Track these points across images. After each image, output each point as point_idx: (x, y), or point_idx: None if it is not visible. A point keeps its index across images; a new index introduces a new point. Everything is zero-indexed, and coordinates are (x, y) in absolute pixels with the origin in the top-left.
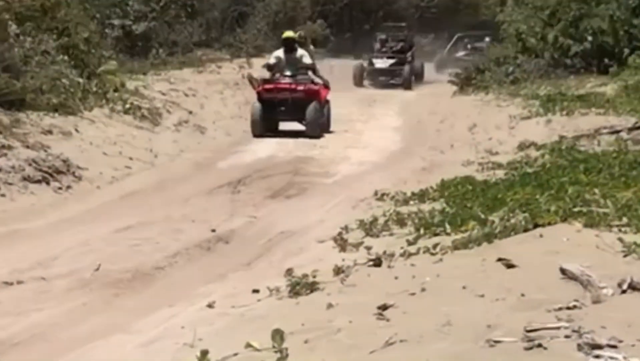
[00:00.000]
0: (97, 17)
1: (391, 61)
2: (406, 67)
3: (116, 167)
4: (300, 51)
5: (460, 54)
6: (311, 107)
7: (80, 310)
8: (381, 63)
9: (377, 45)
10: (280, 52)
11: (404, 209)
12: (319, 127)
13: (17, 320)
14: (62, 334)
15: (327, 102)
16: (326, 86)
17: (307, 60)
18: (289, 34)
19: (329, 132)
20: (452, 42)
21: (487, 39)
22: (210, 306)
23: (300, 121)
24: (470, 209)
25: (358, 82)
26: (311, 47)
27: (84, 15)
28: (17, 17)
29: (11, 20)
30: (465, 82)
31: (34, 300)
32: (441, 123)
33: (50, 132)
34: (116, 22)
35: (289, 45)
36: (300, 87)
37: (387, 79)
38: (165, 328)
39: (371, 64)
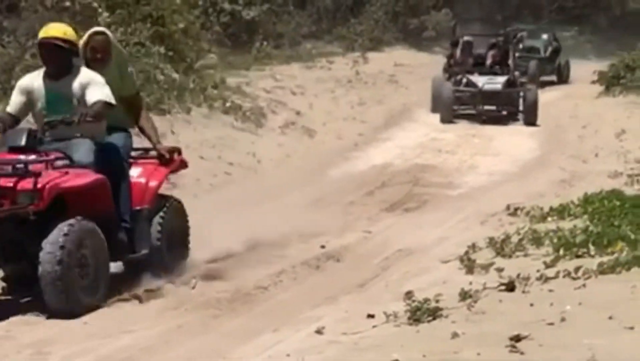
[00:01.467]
0: (199, 4)
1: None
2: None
3: (215, 173)
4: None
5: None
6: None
7: (175, 333)
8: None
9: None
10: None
11: (540, 227)
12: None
13: (104, 343)
14: (154, 359)
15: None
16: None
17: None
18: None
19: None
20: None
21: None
22: (319, 332)
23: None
24: (618, 228)
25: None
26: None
27: (182, 2)
28: (107, 4)
29: (101, 8)
30: (612, 82)
31: (124, 321)
32: (583, 128)
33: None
34: (226, 6)
35: (55, 59)
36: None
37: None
38: (269, 355)
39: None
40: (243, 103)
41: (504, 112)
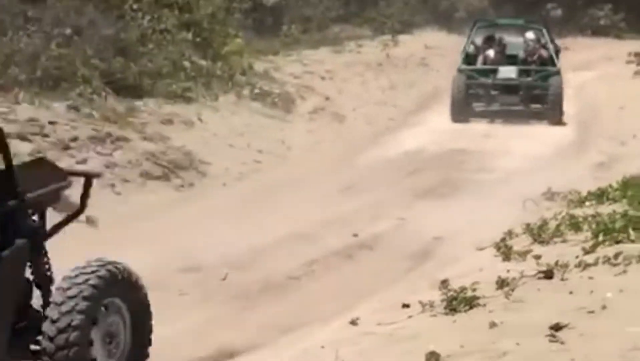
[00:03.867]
0: None
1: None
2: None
3: (244, 161)
4: None
5: None
6: None
7: (204, 327)
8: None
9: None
10: None
11: (578, 212)
12: None
13: None
14: (181, 355)
15: None
16: None
17: None
18: None
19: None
20: None
21: None
22: (353, 323)
23: None
24: None
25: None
26: None
27: None
28: None
29: None
30: None
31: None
32: (621, 110)
33: (170, 121)
34: None
35: None
36: None
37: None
38: (303, 348)
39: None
40: (271, 89)
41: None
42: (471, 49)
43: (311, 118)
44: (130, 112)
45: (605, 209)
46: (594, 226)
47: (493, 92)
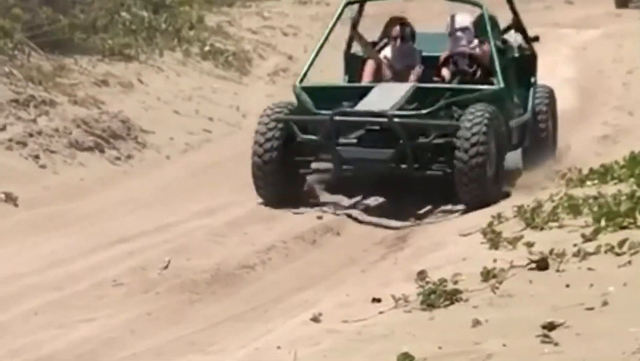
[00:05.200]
0: None
1: None
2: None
3: (191, 131)
4: None
5: None
6: None
7: (144, 322)
8: None
9: None
10: None
11: (578, 192)
12: None
13: (59, 334)
14: (118, 354)
15: None
16: None
17: None
18: None
19: None
20: None
21: None
22: (315, 319)
23: None
24: None
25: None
26: None
27: None
28: None
29: None
30: None
31: (83, 308)
32: (629, 74)
33: (105, 83)
34: None
35: None
36: None
37: None
38: (255, 348)
39: None
40: (225, 46)
41: None
42: None
43: (271, 80)
44: (59, 72)
45: (610, 189)
46: (595, 209)
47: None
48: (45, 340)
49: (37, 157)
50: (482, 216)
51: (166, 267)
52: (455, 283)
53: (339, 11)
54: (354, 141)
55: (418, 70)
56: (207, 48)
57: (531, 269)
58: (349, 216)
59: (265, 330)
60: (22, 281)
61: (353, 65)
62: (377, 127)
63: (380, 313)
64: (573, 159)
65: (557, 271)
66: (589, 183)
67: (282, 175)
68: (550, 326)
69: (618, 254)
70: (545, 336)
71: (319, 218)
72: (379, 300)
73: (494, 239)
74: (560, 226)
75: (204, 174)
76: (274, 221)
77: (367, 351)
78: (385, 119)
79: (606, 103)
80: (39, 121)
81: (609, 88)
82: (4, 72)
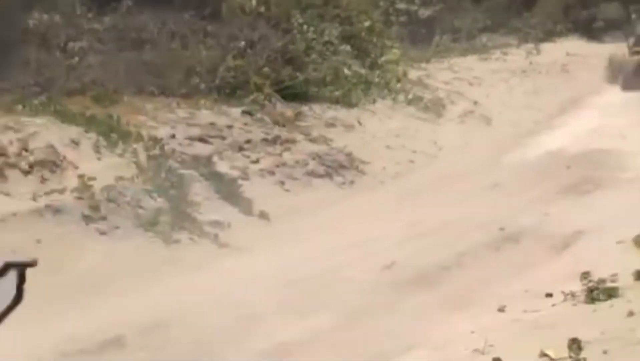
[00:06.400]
0: (380, 4)
1: None
2: None
3: (399, 161)
4: None
5: None
6: None
7: (361, 313)
8: None
9: None
10: None
11: None
12: None
13: (298, 321)
14: (342, 338)
15: None
16: None
17: None
18: None
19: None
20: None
21: None
22: (500, 310)
23: None
24: None
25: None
26: None
27: (367, 2)
28: (299, 6)
29: (294, 10)
30: None
31: (317, 301)
32: None
33: (332, 125)
34: (402, 6)
35: None
36: None
37: None
38: (453, 333)
39: None
40: (424, 95)
41: None
42: None
43: (460, 121)
44: (297, 117)
45: None
46: None
47: None
48: (287, 326)
49: (282, 183)
50: (634, 227)
51: (389, 267)
52: (613, 281)
53: None
54: None
55: None
56: (410, 96)
57: None
58: None
59: (460, 318)
60: (272, 279)
61: None
62: None
63: (553, 305)
64: None
65: None
66: None
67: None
68: None
69: None
70: None
71: (501, 229)
72: (551, 295)
73: None
74: None
75: (409, 194)
76: (465, 231)
77: (543, 336)
78: None
79: None
80: (284, 155)
81: None
82: (257, 118)
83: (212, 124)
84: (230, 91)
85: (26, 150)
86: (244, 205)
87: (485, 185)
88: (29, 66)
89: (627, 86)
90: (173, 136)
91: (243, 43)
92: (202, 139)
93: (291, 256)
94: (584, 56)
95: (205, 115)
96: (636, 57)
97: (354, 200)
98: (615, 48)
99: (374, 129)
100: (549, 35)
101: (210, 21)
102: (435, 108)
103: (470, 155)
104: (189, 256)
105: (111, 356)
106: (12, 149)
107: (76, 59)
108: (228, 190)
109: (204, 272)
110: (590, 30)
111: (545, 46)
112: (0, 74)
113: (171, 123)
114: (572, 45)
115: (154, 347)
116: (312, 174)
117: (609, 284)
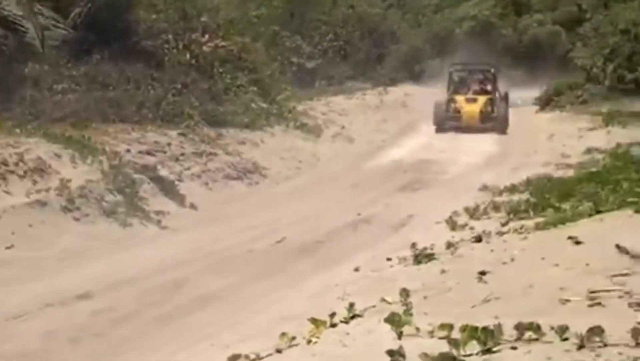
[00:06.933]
0: (278, 58)
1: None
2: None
3: (289, 168)
4: None
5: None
6: None
7: (264, 273)
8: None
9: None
10: None
11: (498, 199)
12: None
13: (216, 280)
14: (250, 289)
15: None
16: None
17: None
18: None
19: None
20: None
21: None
22: (356, 270)
23: None
24: (548, 199)
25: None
26: None
27: (268, 58)
28: (219, 60)
29: (215, 62)
30: (546, 103)
31: (232, 265)
32: (527, 134)
33: (243, 142)
34: (294, 60)
35: None
36: None
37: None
38: (324, 286)
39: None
40: (308, 122)
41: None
42: None
43: (332, 140)
44: (218, 137)
45: (515, 197)
46: (508, 208)
47: None
48: (210, 283)
49: (207, 183)
50: (446, 213)
51: (280, 241)
52: (432, 249)
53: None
54: None
55: None
56: (298, 123)
57: (472, 241)
58: None
59: (329, 276)
60: (199, 250)
61: None
62: None
63: (391, 266)
64: (496, 180)
65: (487, 242)
66: (504, 194)
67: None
68: (483, 273)
69: (519, 233)
70: (480, 278)
71: (359, 214)
72: (390, 259)
73: (452, 225)
74: (489, 218)
75: (297, 191)
76: (335, 216)
77: (384, 287)
78: None
79: (515, 151)
80: (208, 164)
81: (515, 142)
82: (189, 138)
83: (156, 142)
84: (170, 119)
85: (22, 161)
86: (179, 199)
87: (348, 185)
88: (25, 101)
89: (437, 127)
90: (128, 151)
91: (179, 85)
92: (149, 153)
93: (212, 235)
94: (416, 96)
95: (152, 136)
96: (442, 100)
97: (258, 195)
98: (439, 91)
99: (272, 145)
100: (394, 81)
101: (156, 70)
102: (315, 131)
103: (339, 164)
104: (140, 235)
105: (82, 304)
106: (12, 160)
107: (59, 96)
108: (168, 189)
109: (150, 247)
110: (421, 78)
111: (391, 89)
112: (4, 107)
113: (127, 141)
114: (409, 89)
115: (112, 298)
116: (228, 177)
117: (429, 251)
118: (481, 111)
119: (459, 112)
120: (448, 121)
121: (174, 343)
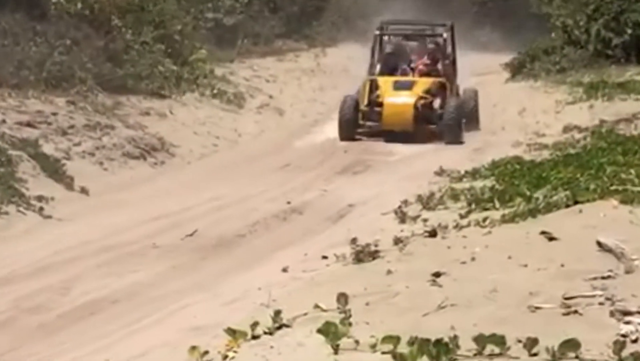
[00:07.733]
0: (191, 11)
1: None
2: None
3: (204, 145)
4: None
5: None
6: None
7: (171, 272)
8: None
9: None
10: None
11: (457, 186)
12: None
13: (114, 281)
14: (154, 293)
15: None
16: None
17: None
18: None
19: None
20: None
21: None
22: (284, 270)
23: None
24: (517, 186)
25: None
26: None
27: (179, 9)
28: (119, 11)
29: (114, 14)
30: (516, 70)
31: (131, 263)
32: (494, 107)
33: (147, 113)
34: (209, 15)
35: None
36: None
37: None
38: (244, 289)
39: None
40: (227, 89)
41: None
42: None
43: (258, 112)
44: (116, 106)
45: (478, 183)
46: (469, 197)
47: None
48: (104, 284)
49: (101, 163)
50: (394, 202)
51: (191, 235)
52: (376, 246)
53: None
54: None
55: None
56: (215, 90)
57: (425, 236)
58: None
59: (250, 277)
60: (91, 245)
61: None
62: None
63: (327, 266)
64: (455, 163)
65: (442, 237)
66: (464, 179)
67: None
68: (437, 274)
69: (482, 227)
70: (434, 281)
71: (288, 203)
72: (326, 257)
73: (402, 217)
74: (445, 208)
75: (213, 174)
76: (259, 205)
77: (318, 291)
78: None
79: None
80: (103, 139)
81: (481, 117)
82: (80, 107)
83: (39, 111)
84: (56, 83)
85: None
86: (66, 182)
87: (278, 166)
88: None
89: (344, 134)
90: (4, 122)
91: (69, 41)
92: (30, 125)
93: (108, 226)
94: (361, 59)
95: (34, 103)
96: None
97: (164, 178)
98: None
99: (183, 117)
100: (333, 41)
101: (39, 21)
102: (237, 101)
103: (265, 141)
104: (17, 226)
105: None
106: None
107: None
108: (53, 169)
109: (30, 240)
110: (366, 38)
111: (330, 50)
112: None
113: (2, 110)
114: (352, 50)
115: None
116: (128, 155)
117: (373, 248)
118: (416, 107)
119: (379, 106)
120: (364, 121)
121: (58, 358)
